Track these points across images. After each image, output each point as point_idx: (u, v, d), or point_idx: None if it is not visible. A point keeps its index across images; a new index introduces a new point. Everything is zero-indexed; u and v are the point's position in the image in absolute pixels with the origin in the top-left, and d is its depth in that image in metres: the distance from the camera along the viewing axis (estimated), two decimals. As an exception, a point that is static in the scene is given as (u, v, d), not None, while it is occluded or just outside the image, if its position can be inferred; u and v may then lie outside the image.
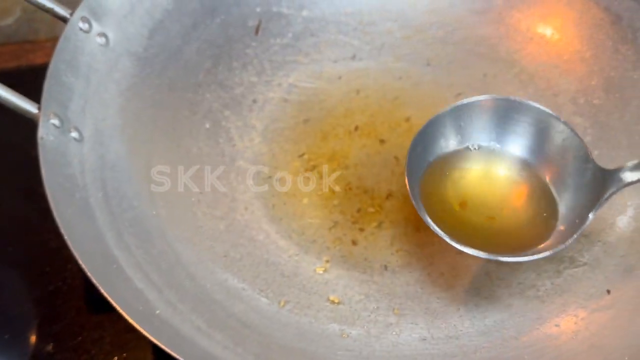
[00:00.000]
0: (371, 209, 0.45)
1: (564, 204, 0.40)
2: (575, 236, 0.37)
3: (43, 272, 0.46)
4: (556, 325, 0.38)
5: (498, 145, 0.42)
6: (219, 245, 0.42)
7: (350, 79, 0.51)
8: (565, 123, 0.40)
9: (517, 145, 0.42)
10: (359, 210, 0.45)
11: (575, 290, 0.39)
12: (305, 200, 0.45)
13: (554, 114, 0.40)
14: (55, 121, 0.38)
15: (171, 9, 0.47)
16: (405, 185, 0.45)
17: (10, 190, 0.51)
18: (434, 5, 0.53)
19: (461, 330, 0.38)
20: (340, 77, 0.51)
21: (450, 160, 0.42)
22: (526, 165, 0.42)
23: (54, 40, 0.63)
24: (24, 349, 0.43)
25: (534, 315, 0.38)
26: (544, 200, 0.40)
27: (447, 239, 0.37)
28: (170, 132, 0.45)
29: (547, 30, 0.50)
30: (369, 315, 0.39)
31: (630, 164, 0.37)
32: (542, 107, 0.41)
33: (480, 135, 0.42)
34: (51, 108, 0.38)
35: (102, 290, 0.30)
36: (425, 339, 0.38)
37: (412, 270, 0.42)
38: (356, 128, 0.49)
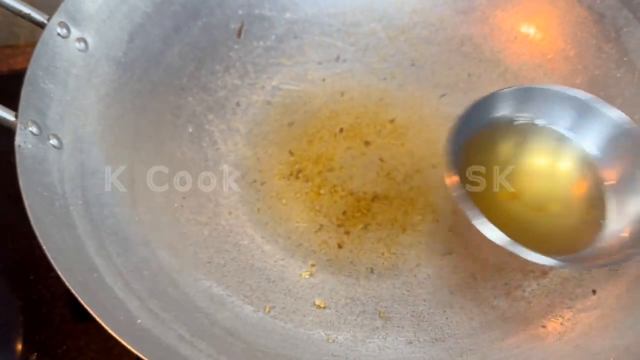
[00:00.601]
0: (357, 212, 0.45)
1: (625, 211, 0.37)
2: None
3: (27, 280, 0.46)
4: (542, 327, 0.37)
5: (564, 132, 0.39)
6: (202, 251, 0.41)
7: (335, 80, 0.51)
8: None
9: (585, 141, 0.39)
10: (344, 213, 0.45)
11: (561, 291, 0.39)
12: (290, 204, 0.45)
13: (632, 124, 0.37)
14: (33, 129, 0.37)
15: (151, 12, 0.46)
16: (390, 188, 0.45)
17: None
18: (418, 5, 0.52)
19: (447, 333, 0.38)
20: (324, 79, 0.51)
21: (504, 133, 0.39)
22: (588, 163, 0.39)
23: (34, 45, 0.63)
24: (7, 358, 0.42)
25: (520, 317, 0.38)
26: (596, 202, 0.38)
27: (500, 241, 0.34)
28: (153, 137, 0.45)
29: (530, 29, 0.50)
30: (355, 319, 0.39)
31: None
32: (621, 115, 0.38)
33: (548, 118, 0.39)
34: (29, 116, 0.37)
35: (82, 300, 0.30)
36: (411, 342, 0.38)
37: (398, 273, 0.42)
38: (341, 130, 0.48)
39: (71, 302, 0.45)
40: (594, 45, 0.47)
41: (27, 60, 0.61)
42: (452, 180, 0.35)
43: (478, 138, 0.38)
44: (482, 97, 0.38)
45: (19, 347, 0.43)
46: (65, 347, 0.43)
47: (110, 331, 0.29)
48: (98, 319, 0.29)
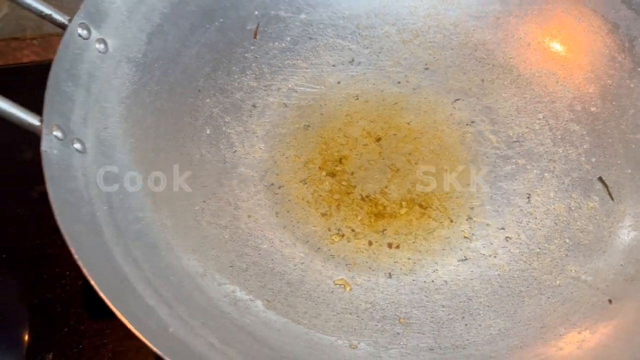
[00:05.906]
0: (373, 216, 0.45)
1: None
2: None
3: (40, 279, 0.46)
4: (560, 335, 0.38)
5: None
6: (224, 255, 0.42)
7: (349, 83, 0.51)
8: None
9: None
10: (361, 217, 0.45)
11: (577, 299, 0.40)
12: (307, 208, 0.45)
13: None
14: (58, 133, 0.37)
15: (168, 12, 0.46)
16: (406, 193, 0.46)
17: (4, 194, 0.50)
18: (432, 9, 0.53)
19: (467, 340, 0.39)
20: (339, 82, 0.51)
21: None
22: None
23: (40, 37, 0.62)
24: (23, 358, 0.42)
25: (537, 324, 0.39)
26: None
27: None
28: (172, 139, 0.45)
29: (544, 37, 0.50)
30: (376, 325, 0.40)
31: None
32: None
33: None
34: (53, 120, 0.37)
35: (117, 312, 0.30)
36: (432, 349, 0.39)
37: (416, 278, 0.42)
38: (357, 134, 0.49)
39: (86, 301, 0.45)
40: (608, 54, 0.48)
41: (34, 53, 0.61)
42: None
43: None
44: None
45: (34, 347, 0.43)
46: (81, 346, 0.43)
47: (147, 342, 0.30)
48: (135, 331, 0.30)
